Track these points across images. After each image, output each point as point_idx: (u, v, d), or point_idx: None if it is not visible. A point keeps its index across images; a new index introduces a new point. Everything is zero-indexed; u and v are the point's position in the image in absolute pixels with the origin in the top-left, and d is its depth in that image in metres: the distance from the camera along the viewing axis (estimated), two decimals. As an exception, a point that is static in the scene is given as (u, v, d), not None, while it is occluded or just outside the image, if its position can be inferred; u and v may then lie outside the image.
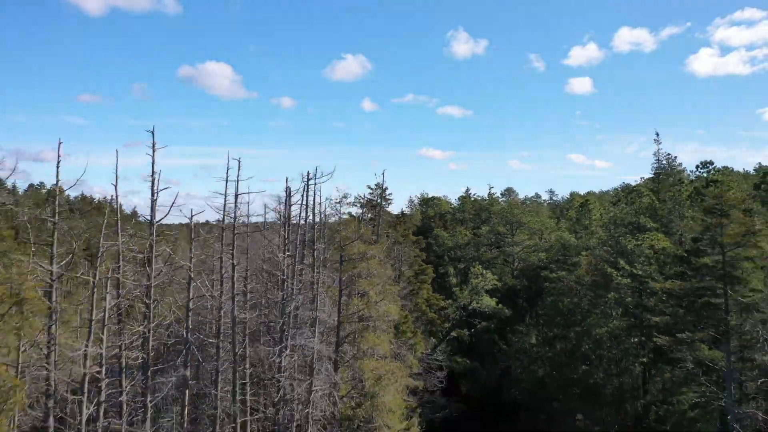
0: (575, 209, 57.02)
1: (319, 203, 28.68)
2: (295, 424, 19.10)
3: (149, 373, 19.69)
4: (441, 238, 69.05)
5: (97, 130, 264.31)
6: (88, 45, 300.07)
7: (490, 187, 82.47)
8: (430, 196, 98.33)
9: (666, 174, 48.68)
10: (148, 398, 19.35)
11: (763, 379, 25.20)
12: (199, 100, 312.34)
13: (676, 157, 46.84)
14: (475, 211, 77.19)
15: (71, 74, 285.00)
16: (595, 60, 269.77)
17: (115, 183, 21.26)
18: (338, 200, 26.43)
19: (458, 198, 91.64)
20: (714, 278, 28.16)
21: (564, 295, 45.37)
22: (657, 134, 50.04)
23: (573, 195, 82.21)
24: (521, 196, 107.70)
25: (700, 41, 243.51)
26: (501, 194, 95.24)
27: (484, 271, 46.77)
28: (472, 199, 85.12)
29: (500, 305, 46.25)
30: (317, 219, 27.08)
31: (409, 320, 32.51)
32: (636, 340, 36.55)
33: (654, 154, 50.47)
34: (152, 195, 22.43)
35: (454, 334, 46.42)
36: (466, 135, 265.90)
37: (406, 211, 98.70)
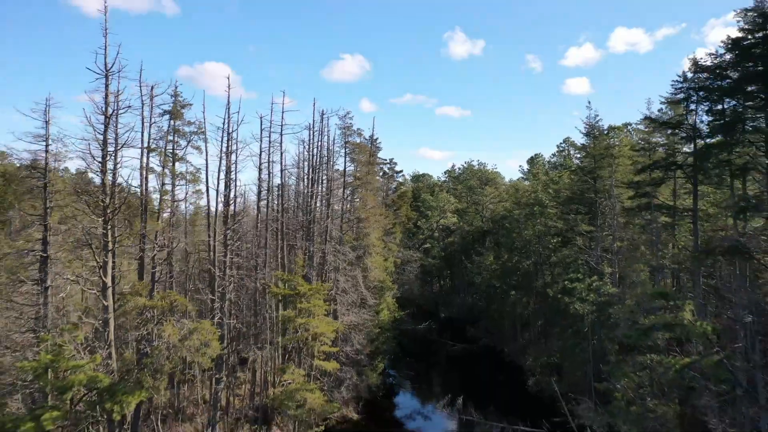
0: (527, 161, 72.44)
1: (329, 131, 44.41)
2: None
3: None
4: (427, 201, 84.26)
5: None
6: (87, 45, 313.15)
7: (471, 160, 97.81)
8: (422, 173, 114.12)
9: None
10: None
11: (608, 233, 40.38)
12: (198, 100, 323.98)
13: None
14: (455, 177, 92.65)
15: (70, 74, 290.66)
16: (592, 60, 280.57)
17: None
18: (344, 115, 40.83)
19: (444, 172, 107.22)
20: (587, 177, 43.34)
21: (513, 222, 60.57)
22: (589, 102, 65.36)
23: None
24: (506, 179, 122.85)
25: (696, 42, 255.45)
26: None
27: (449, 196, 61.91)
28: (456, 173, 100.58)
29: (461, 222, 61.40)
30: (331, 136, 42.60)
31: (390, 217, 47.69)
32: (554, 240, 51.49)
33: (587, 117, 65.65)
34: (228, 117, 37.70)
35: (427, 245, 61.69)
36: (464, 135, 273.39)
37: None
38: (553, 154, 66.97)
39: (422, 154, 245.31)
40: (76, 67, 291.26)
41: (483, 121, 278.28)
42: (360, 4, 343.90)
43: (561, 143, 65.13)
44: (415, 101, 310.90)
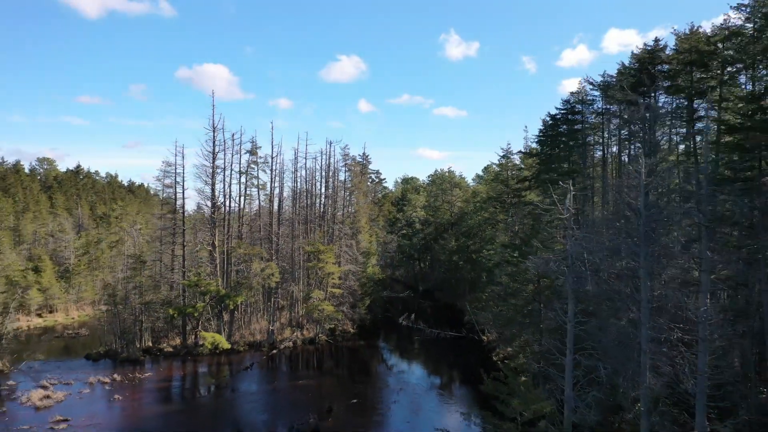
0: (482, 170, 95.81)
1: (334, 155, 67.86)
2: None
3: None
4: (412, 200, 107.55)
5: (96, 130, 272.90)
6: (86, 47, 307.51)
7: (449, 167, 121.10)
8: (410, 176, 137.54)
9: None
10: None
11: (512, 219, 63.69)
12: (198, 101, 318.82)
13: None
14: (433, 181, 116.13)
15: (69, 76, 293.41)
16: (586, 61, 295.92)
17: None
18: (344, 146, 62.94)
19: (428, 176, 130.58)
20: (502, 185, 66.62)
21: (464, 215, 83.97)
22: (526, 127, 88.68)
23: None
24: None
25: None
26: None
27: (420, 197, 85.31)
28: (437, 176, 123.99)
29: (430, 216, 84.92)
30: (336, 158, 66.30)
31: (375, 210, 70.95)
32: (489, 226, 74.72)
33: (524, 138, 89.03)
34: (272, 139, 61.11)
35: (403, 231, 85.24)
36: (462, 135, 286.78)
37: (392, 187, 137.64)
38: (496, 165, 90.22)
39: (420, 154, 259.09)
40: (75, 68, 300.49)
41: (479, 121, 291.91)
42: (354, 7, 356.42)
43: (500, 156, 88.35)
44: (413, 101, 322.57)
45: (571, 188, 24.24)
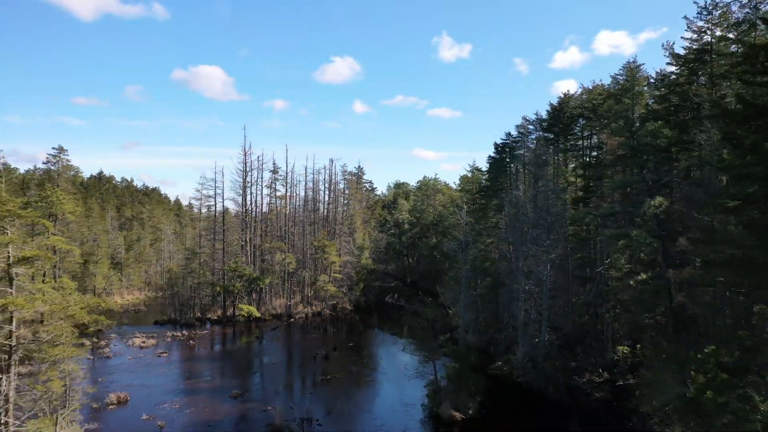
0: (460, 179, 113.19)
1: (335, 171, 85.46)
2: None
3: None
4: (399, 204, 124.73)
5: (94, 131, 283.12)
6: (82, 49, 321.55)
7: (435, 174, 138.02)
8: (402, 181, 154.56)
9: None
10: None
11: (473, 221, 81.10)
12: (194, 102, 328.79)
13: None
14: (419, 187, 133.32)
15: (66, 77, 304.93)
16: (577, 63, 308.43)
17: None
18: (343, 164, 79.25)
19: (417, 182, 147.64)
20: (469, 194, 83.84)
21: (440, 217, 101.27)
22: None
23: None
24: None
25: (680, 44, 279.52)
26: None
27: (405, 202, 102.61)
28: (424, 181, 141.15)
29: (414, 217, 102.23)
30: (337, 171, 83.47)
31: (368, 213, 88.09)
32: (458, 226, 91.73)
33: (472, 163, 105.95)
34: (286, 158, 78.07)
35: (392, 230, 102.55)
36: (456, 136, 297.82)
37: (384, 191, 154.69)
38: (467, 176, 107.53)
39: (416, 155, 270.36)
40: (72, 70, 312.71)
41: (475, 121, 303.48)
42: (347, 9, 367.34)
43: (469, 169, 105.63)
44: (407, 102, 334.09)
45: (465, 207, 41.59)
